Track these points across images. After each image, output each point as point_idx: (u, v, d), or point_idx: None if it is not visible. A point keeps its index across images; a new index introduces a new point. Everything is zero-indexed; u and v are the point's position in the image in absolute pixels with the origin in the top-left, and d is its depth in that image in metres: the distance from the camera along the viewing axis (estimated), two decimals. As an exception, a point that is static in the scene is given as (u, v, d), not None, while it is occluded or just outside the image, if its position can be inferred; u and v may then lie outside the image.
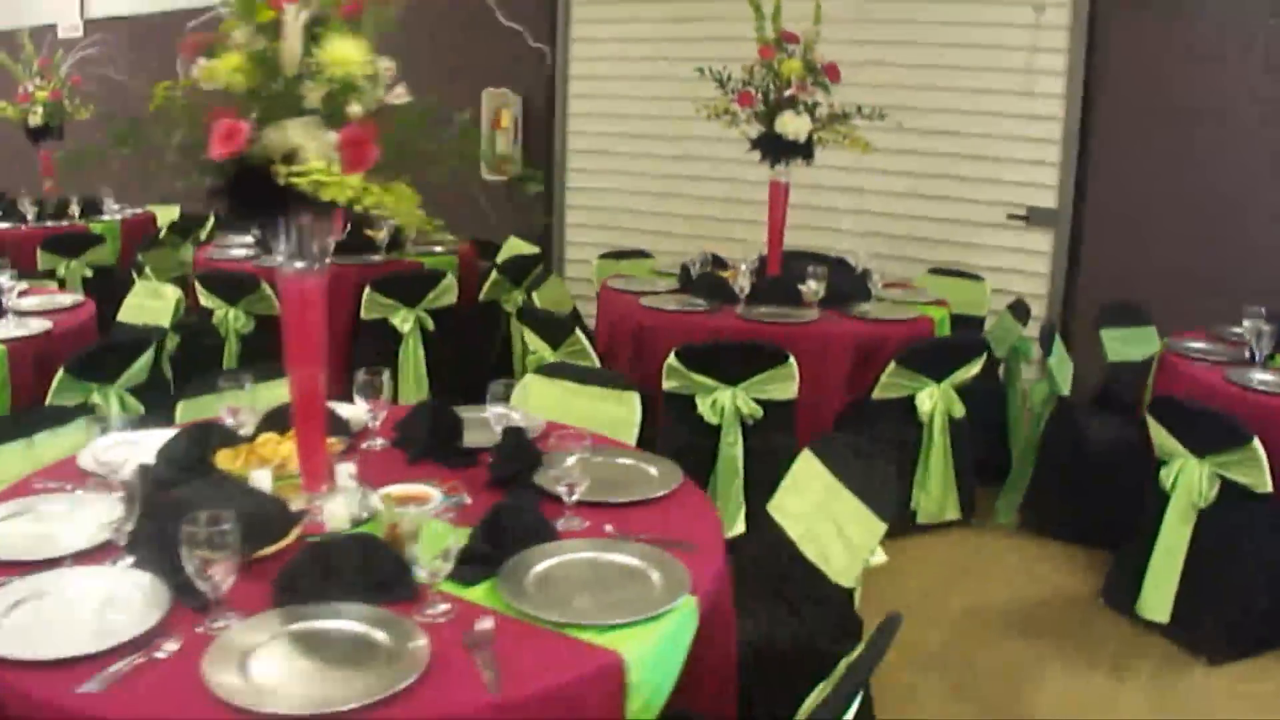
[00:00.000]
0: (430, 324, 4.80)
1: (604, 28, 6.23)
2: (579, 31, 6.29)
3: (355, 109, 1.84)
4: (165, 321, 4.21)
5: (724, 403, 3.64)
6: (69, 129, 6.30)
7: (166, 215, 6.71)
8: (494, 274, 5.04)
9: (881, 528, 2.29)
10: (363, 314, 4.72)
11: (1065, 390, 3.91)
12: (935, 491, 3.94)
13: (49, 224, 6.08)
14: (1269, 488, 3.06)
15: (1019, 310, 4.51)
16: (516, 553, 1.93)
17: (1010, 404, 4.37)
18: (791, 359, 3.61)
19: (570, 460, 2.13)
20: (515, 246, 5.73)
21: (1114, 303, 4.58)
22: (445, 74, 6.47)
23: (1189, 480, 3.21)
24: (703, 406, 3.65)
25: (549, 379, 3.12)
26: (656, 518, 2.17)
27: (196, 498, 1.98)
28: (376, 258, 5.10)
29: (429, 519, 1.83)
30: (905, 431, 3.88)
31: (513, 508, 2.03)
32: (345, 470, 2.29)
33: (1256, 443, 3.02)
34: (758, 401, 3.67)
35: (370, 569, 1.80)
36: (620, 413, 2.98)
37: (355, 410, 2.62)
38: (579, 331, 3.90)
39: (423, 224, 2.32)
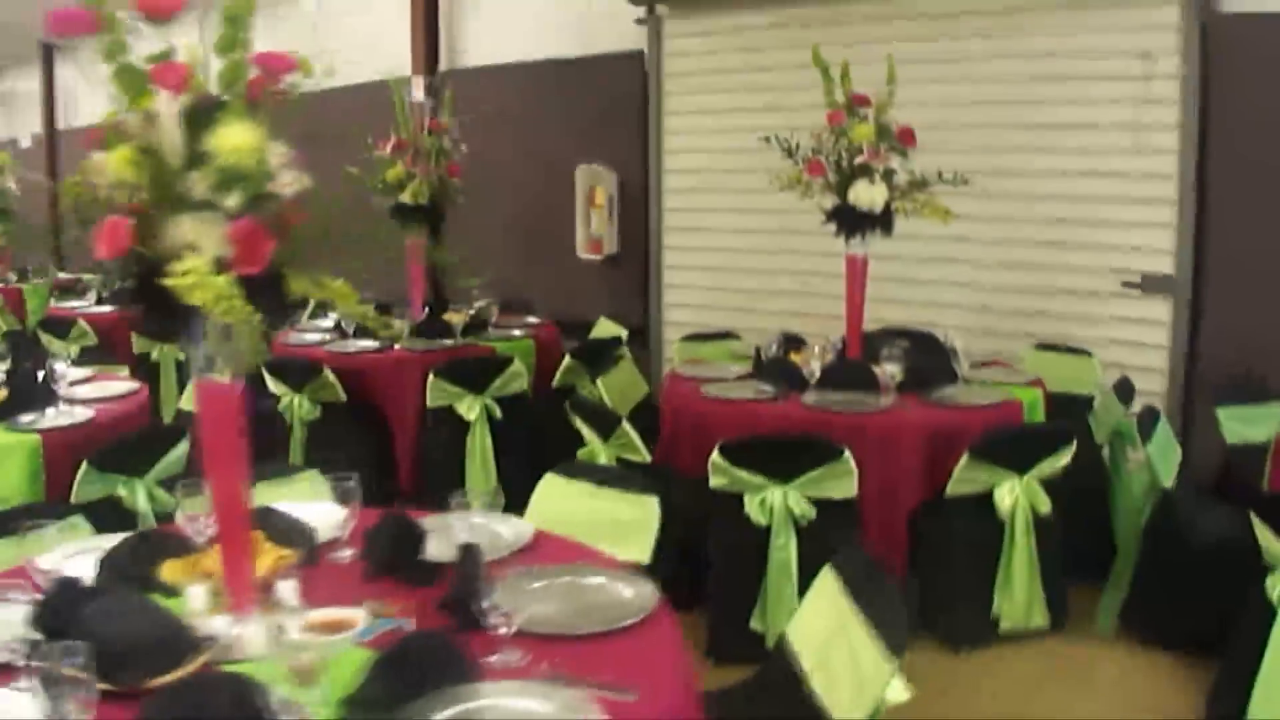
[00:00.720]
0: (498, 412, 4.64)
1: (699, 99, 6.05)
2: (673, 105, 6.13)
3: (233, 201, 1.68)
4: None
5: (773, 502, 3.33)
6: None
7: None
8: (567, 359, 4.85)
9: (889, 667, 1.93)
10: (428, 402, 4.60)
11: (1167, 481, 3.44)
12: (1019, 597, 3.51)
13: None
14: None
15: (1122, 389, 4.05)
16: (421, 695, 1.69)
17: (1114, 495, 3.88)
18: (847, 454, 3.28)
19: (506, 586, 1.89)
20: (604, 329, 5.56)
21: (1234, 377, 4.08)
22: (538, 151, 6.47)
23: (1298, 594, 2.72)
24: (750, 506, 3.34)
25: (567, 479, 2.89)
26: (609, 653, 1.89)
27: (95, 617, 1.84)
28: (449, 342, 5.00)
29: (339, 650, 1.63)
30: (984, 530, 3.48)
31: (423, 639, 1.80)
32: (285, 588, 2.11)
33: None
34: (812, 501, 3.34)
35: (242, 711, 1.60)
36: (637, 517, 2.73)
37: (326, 515, 2.45)
38: (626, 424, 3.67)
39: (364, 318, 2.16)
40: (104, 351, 5.93)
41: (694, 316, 6.08)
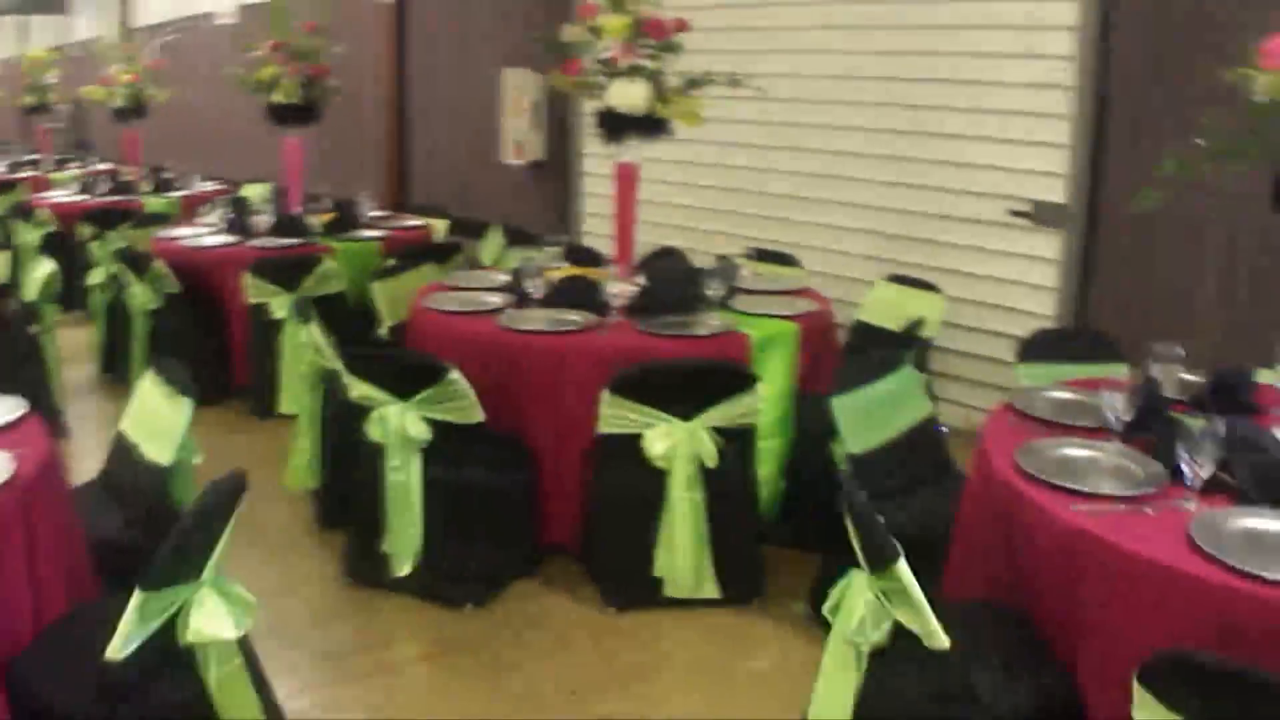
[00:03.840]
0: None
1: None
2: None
3: None
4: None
5: (391, 420, 3.06)
6: (151, 110, 6.71)
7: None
8: (391, 261, 4.67)
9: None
10: (246, 298, 4.55)
11: (851, 448, 2.86)
12: (682, 560, 3.09)
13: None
14: None
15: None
16: None
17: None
18: (454, 374, 2.97)
19: None
20: (492, 237, 5.32)
21: (1067, 329, 3.48)
22: (466, 53, 6.26)
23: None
24: (371, 423, 3.09)
25: (157, 383, 2.77)
26: None
27: None
28: (295, 240, 4.92)
29: None
30: (643, 479, 3.06)
31: None
32: None
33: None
34: (432, 422, 3.05)
35: None
36: (170, 417, 2.63)
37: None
38: (313, 328, 3.50)
39: None
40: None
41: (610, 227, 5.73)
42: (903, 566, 1.88)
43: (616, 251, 3.84)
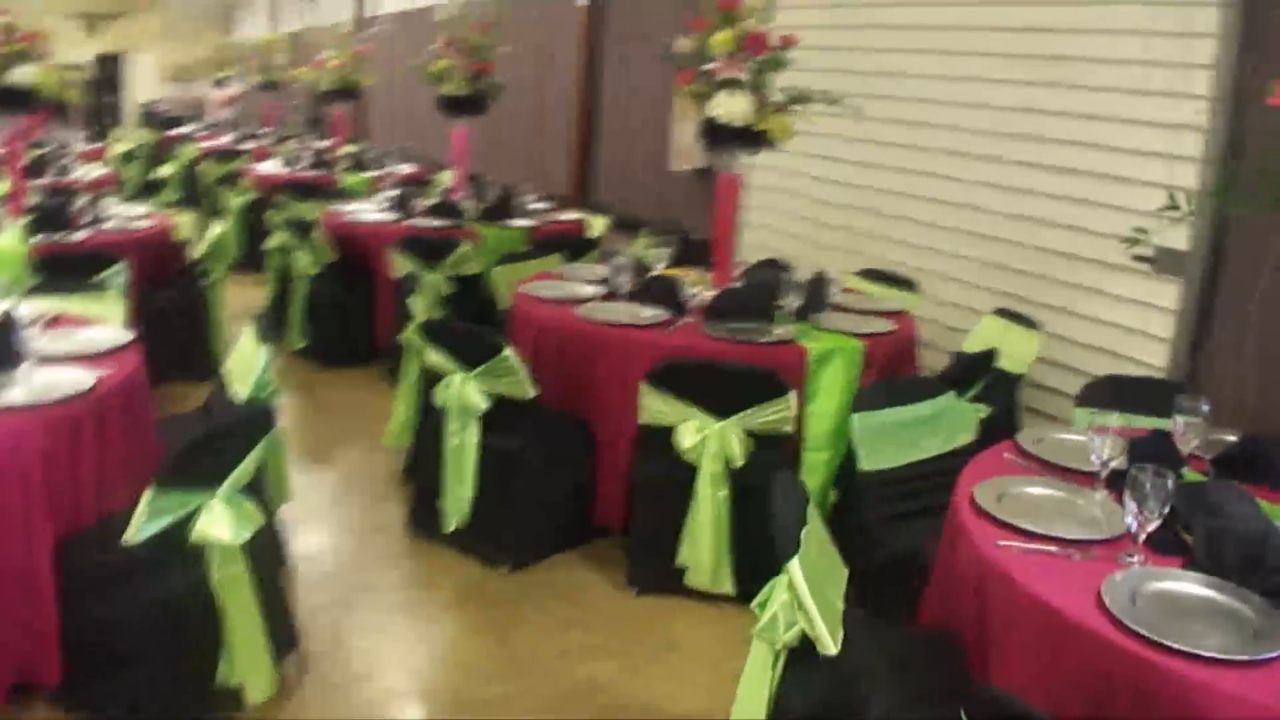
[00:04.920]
0: (444, 287, 4.87)
1: (801, 14, 5.69)
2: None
3: None
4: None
5: (454, 389, 3.33)
6: (364, 93, 7.29)
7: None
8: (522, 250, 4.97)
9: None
10: (391, 272, 4.94)
11: (865, 464, 2.89)
12: (704, 554, 3.20)
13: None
14: None
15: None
16: None
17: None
18: (507, 352, 3.21)
19: None
20: (641, 241, 5.54)
21: (1136, 377, 3.48)
22: (650, 58, 6.47)
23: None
24: (437, 391, 3.38)
25: (251, 332, 3.20)
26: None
27: None
28: (447, 222, 5.29)
29: None
30: (673, 471, 3.20)
31: None
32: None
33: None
34: (490, 395, 3.31)
35: None
36: (251, 362, 3.02)
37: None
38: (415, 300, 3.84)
39: None
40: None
41: (767, 239, 5.83)
42: (793, 566, 1.95)
43: (716, 257, 3.96)
